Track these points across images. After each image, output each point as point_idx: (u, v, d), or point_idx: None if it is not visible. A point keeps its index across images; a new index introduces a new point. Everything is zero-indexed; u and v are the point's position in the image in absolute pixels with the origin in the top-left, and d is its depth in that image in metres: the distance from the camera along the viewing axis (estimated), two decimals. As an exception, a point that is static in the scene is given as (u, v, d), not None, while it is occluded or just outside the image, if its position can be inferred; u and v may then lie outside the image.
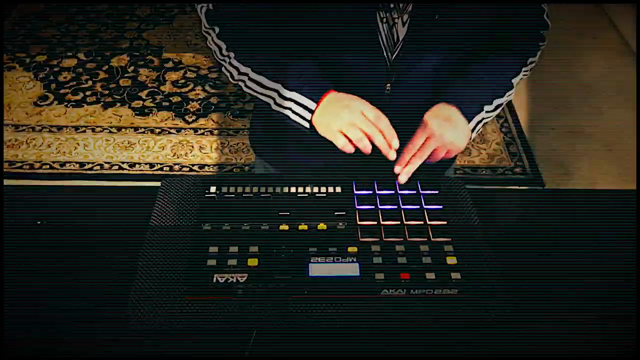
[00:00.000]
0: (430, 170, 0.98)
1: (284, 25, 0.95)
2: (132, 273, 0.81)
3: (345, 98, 0.92)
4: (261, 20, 0.95)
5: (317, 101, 0.91)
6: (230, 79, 0.99)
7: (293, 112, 0.93)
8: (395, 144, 0.90)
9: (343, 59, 0.96)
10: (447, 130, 0.93)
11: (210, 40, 0.99)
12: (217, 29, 0.97)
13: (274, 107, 0.95)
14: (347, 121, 0.89)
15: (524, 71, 1.04)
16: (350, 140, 0.89)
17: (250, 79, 0.96)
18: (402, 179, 0.92)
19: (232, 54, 0.96)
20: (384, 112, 0.96)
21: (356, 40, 0.93)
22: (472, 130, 0.96)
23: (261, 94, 0.96)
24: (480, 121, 0.98)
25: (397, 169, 0.92)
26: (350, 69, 0.96)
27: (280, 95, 0.94)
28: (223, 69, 0.99)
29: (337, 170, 0.97)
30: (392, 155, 0.90)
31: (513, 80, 1.02)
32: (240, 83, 0.98)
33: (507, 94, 1.02)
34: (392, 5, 0.90)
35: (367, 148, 0.89)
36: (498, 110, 1.02)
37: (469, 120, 0.95)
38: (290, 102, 0.93)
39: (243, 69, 0.96)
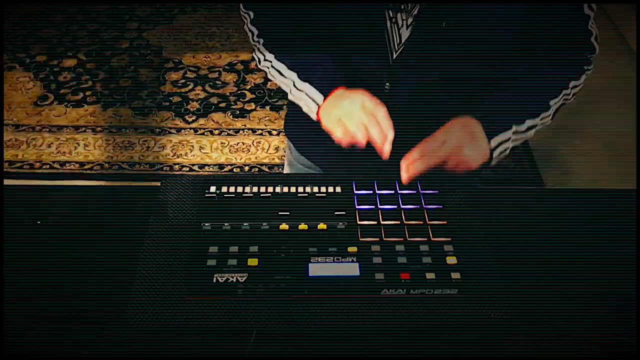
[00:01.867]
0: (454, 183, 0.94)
1: (303, 15, 0.97)
2: (132, 273, 0.81)
3: (351, 92, 0.92)
4: (287, 10, 0.99)
5: (325, 95, 0.93)
6: (258, 63, 1.04)
7: (304, 102, 0.96)
8: (390, 135, 0.86)
9: (347, 54, 0.96)
10: (467, 145, 0.88)
11: (246, 24, 1.04)
12: (251, 14, 1.02)
13: (290, 96, 1.00)
14: (346, 110, 0.89)
15: (565, 94, 0.97)
16: (346, 132, 0.88)
17: (273, 67, 1.01)
18: (404, 178, 0.87)
19: (261, 40, 1.02)
20: None
21: (363, 37, 0.94)
22: (493, 150, 0.90)
23: (280, 81, 1.01)
24: (505, 141, 0.91)
25: (402, 167, 0.87)
26: (352, 65, 0.97)
27: (295, 86, 0.97)
28: (254, 53, 1.05)
29: (356, 162, 0.97)
30: (387, 149, 0.85)
31: (551, 102, 0.95)
32: (265, 69, 1.02)
33: (542, 115, 0.94)
34: (402, 7, 0.90)
35: (361, 140, 0.86)
36: (530, 133, 0.95)
37: (490, 139, 0.90)
38: (302, 93, 0.96)
39: (268, 55, 1.01)
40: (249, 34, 1.04)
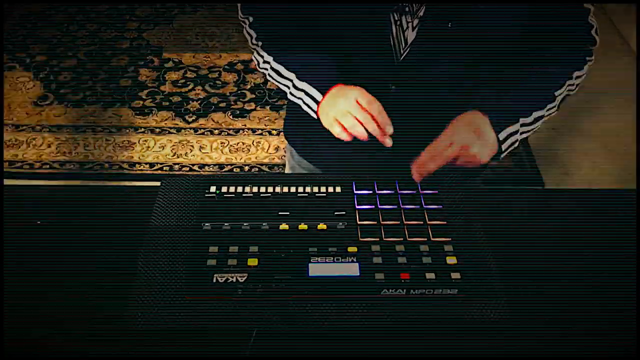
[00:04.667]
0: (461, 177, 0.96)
1: (303, 17, 0.97)
2: (132, 273, 0.81)
3: (347, 89, 0.92)
4: (287, 13, 1.00)
5: (323, 93, 0.94)
6: (257, 65, 1.06)
7: (303, 102, 0.97)
8: (389, 130, 0.88)
9: (352, 56, 0.97)
10: (474, 142, 0.89)
11: (245, 28, 1.05)
12: (250, 19, 1.03)
13: (289, 96, 1.01)
14: (341, 109, 0.90)
15: (569, 85, 0.98)
16: (345, 129, 0.89)
17: (272, 68, 1.02)
18: (416, 177, 0.90)
19: (260, 43, 1.03)
20: (387, 111, 0.96)
21: (367, 39, 0.94)
22: (502, 143, 0.91)
23: (279, 82, 1.02)
24: (514, 133, 0.92)
25: (413, 168, 0.90)
26: (358, 67, 0.97)
27: (294, 85, 0.98)
28: (253, 56, 1.07)
29: (356, 162, 1.00)
30: (388, 142, 0.89)
31: (556, 93, 0.97)
32: (264, 70, 1.04)
33: (549, 106, 0.96)
34: (406, 9, 0.90)
35: (362, 135, 0.88)
36: (537, 124, 0.96)
37: (498, 132, 0.91)
38: (301, 92, 0.97)
39: (267, 57, 1.02)
40: (248, 37, 1.05)
